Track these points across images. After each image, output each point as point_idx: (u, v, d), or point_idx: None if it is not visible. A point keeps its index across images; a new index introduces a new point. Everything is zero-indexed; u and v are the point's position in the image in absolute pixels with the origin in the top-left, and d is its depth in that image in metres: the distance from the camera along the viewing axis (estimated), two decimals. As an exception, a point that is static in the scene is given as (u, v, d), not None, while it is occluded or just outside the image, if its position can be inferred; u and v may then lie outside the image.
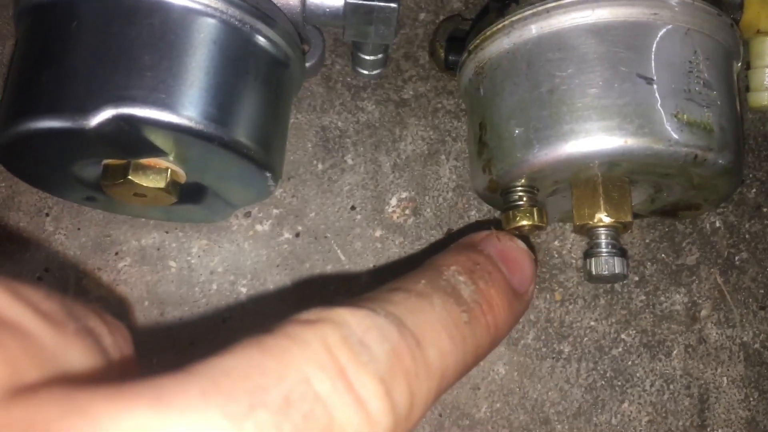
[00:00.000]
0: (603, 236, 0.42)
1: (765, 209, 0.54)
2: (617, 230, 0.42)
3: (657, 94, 0.37)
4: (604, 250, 0.42)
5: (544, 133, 0.38)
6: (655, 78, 0.37)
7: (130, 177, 0.40)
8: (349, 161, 0.53)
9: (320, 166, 0.52)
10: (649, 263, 0.52)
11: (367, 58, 0.50)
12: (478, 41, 0.43)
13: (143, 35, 0.37)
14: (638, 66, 0.38)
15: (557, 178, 0.41)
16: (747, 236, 0.53)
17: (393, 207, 0.52)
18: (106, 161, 0.40)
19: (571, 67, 0.38)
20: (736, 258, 0.53)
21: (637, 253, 0.52)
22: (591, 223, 0.42)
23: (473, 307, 0.29)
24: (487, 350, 0.29)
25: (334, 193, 0.52)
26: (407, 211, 0.52)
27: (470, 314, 0.28)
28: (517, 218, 0.41)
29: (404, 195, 0.52)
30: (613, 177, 0.41)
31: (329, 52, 0.54)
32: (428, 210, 0.52)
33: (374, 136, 0.53)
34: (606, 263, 0.42)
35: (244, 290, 0.50)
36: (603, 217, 0.41)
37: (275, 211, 0.51)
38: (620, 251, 0.42)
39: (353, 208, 0.52)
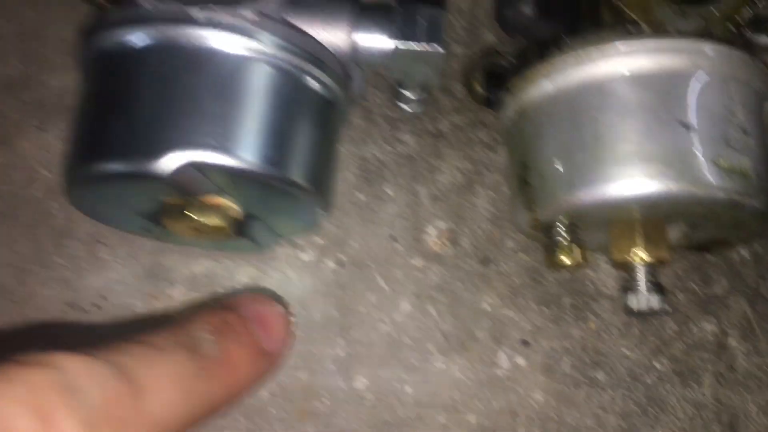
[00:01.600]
0: (641, 273, 0.44)
1: (792, 240, 0.56)
2: (655, 267, 0.44)
3: (697, 141, 0.39)
4: (642, 286, 0.44)
5: (588, 177, 0.40)
6: (695, 125, 0.39)
7: (189, 214, 0.42)
8: (389, 192, 0.55)
9: (361, 197, 0.54)
10: (680, 293, 0.54)
11: (410, 95, 0.52)
12: (520, 83, 0.45)
13: (207, 84, 0.39)
14: (678, 113, 0.39)
15: (598, 218, 0.43)
16: (774, 266, 0.55)
17: (431, 237, 0.54)
18: (166, 199, 0.42)
19: (613, 113, 0.40)
20: (762, 288, 0.55)
21: (668, 283, 0.54)
22: (629, 260, 0.43)
23: (213, 364, 0.30)
24: (224, 403, 0.30)
25: (375, 223, 0.54)
26: (445, 241, 0.54)
27: (208, 371, 0.29)
28: (560, 257, 0.43)
29: (442, 225, 0.54)
30: (650, 216, 0.43)
31: (369, 86, 0.56)
32: (465, 240, 0.54)
33: (412, 167, 0.55)
34: (645, 299, 0.43)
35: (291, 319, 0.51)
36: (641, 254, 0.43)
37: (319, 240, 0.53)
38: (658, 287, 0.44)
39: (393, 238, 0.54)
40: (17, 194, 0.52)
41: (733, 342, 0.53)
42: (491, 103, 0.50)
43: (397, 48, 0.45)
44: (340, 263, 0.53)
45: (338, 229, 0.53)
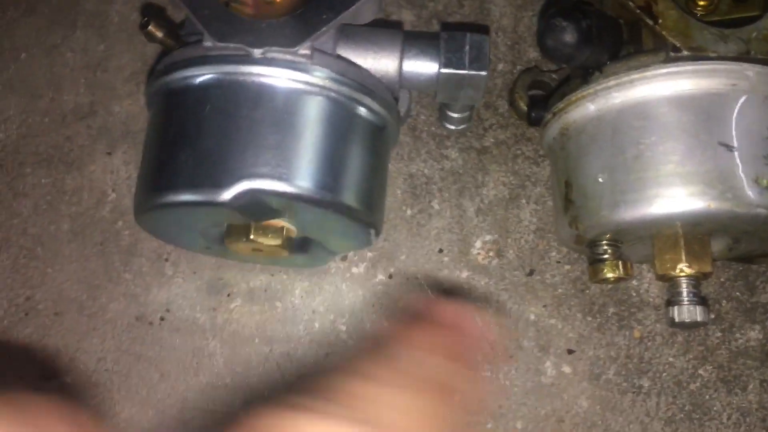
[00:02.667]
0: (684, 285, 0.45)
1: (838, 247, 0.56)
2: (698, 279, 0.45)
3: (738, 161, 0.40)
4: (686, 298, 0.45)
5: (631, 196, 0.42)
6: (735, 145, 0.40)
7: (252, 237, 0.45)
8: (436, 206, 0.57)
9: (409, 212, 0.57)
10: (724, 301, 0.55)
11: (455, 115, 0.54)
12: (563, 105, 0.46)
13: (265, 117, 0.41)
14: (719, 134, 0.40)
15: (641, 235, 0.44)
16: (819, 274, 0.55)
17: (478, 249, 0.56)
18: (229, 222, 0.45)
19: (655, 135, 0.42)
20: (809, 297, 0.55)
21: (713, 292, 0.55)
22: (673, 273, 0.45)
23: (445, 392, 0.28)
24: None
25: (423, 237, 0.56)
26: (491, 253, 0.56)
27: (443, 400, 0.28)
28: (604, 271, 0.45)
29: (488, 238, 0.56)
30: (693, 231, 0.44)
31: (414, 104, 0.58)
32: (511, 252, 0.56)
33: (458, 182, 0.57)
34: (688, 311, 0.45)
35: (343, 328, 0.54)
36: (684, 268, 0.44)
37: (369, 254, 0.55)
38: (701, 299, 0.45)
39: (441, 251, 0.56)
40: (88, 215, 0.56)
41: (778, 349, 0.54)
42: (534, 120, 0.51)
43: (442, 73, 0.47)
44: (390, 276, 0.55)
45: (387, 243, 0.56)
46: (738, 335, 0.54)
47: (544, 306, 0.55)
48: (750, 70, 0.41)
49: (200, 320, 0.54)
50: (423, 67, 0.48)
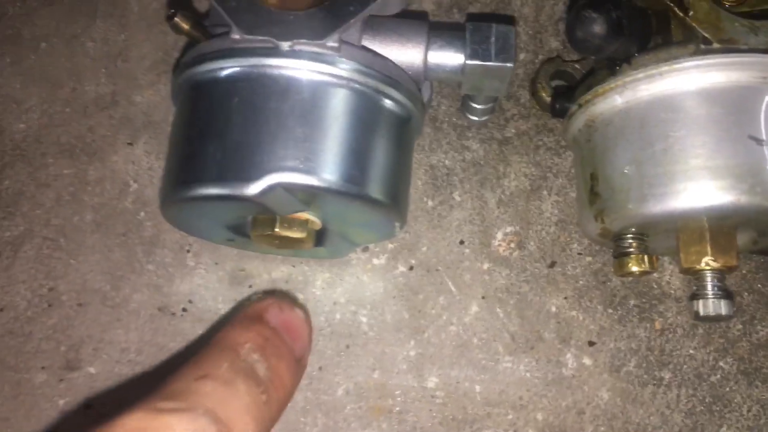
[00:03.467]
0: (709, 279, 0.45)
1: None
2: (723, 273, 0.45)
3: (767, 155, 0.40)
4: (711, 292, 0.45)
5: (659, 190, 0.42)
6: (765, 139, 0.40)
7: (277, 230, 0.45)
8: (457, 198, 0.57)
9: (430, 203, 0.57)
10: (746, 293, 0.55)
11: (478, 107, 0.54)
12: (589, 97, 0.46)
13: (292, 109, 0.41)
14: (749, 128, 0.40)
15: (667, 228, 0.44)
16: (835, 272, 0.55)
17: (499, 241, 0.56)
18: (254, 215, 0.45)
19: (684, 128, 0.41)
20: (827, 292, 0.55)
21: (734, 284, 0.55)
22: (698, 266, 0.45)
23: (269, 386, 0.34)
24: (278, 420, 0.35)
25: (444, 228, 0.56)
26: (512, 245, 0.56)
27: (268, 394, 0.34)
28: (630, 264, 0.45)
29: (509, 229, 0.56)
30: (720, 225, 0.44)
31: (435, 93, 0.58)
32: (532, 243, 0.56)
33: (479, 173, 0.57)
34: (713, 305, 0.45)
35: (364, 320, 0.54)
36: (710, 261, 0.44)
37: (390, 246, 0.56)
38: (727, 293, 0.45)
39: (462, 242, 0.56)
40: (110, 206, 0.56)
41: (799, 342, 0.54)
42: (558, 111, 0.51)
43: (468, 65, 0.47)
44: (411, 267, 0.55)
45: (409, 234, 0.56)
46: (759, 327, 0.54)
47: (565, 298, 0.55)
48: (782, 61, 0.41)
49: (222, 311, 0.54)
50: (448, 58, 0.48)
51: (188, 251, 0.55)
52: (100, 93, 0.59)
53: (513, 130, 0.58)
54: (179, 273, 0.55)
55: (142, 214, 0.56)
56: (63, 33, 0.61)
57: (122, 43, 0.60)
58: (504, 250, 0.56)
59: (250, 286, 0.55)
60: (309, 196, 0.42)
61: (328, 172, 0.41)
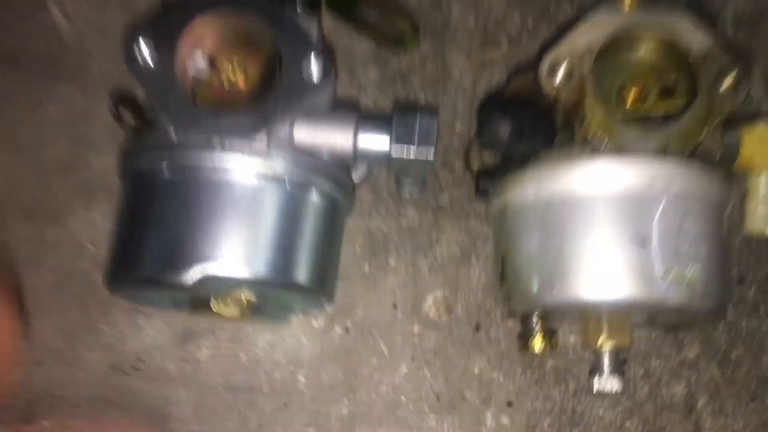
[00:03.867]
0: (605, 356, 0.50)
1: (762, 308, 0.61)
2: (618, 351, 0.50)
3: (652, 255, 0.44)
4: (606, 369, 0.50)
5: (557, 282, 0.46)
6: (650, 240, 0.44)
7: (214, 308, 0.49)
8: (392, 263, 0.61)
9: (367, 268, 0.61)
10: (653, 357, 0.60)
11: (408, 186, 0.58)
12: (501, 186, 0.50)
13: (224, 205, 0.46)
14: (637, 228, 0.45)
15: (568, 311, 0.49)
16: (744, 333, 0.60)
17: (429, 305, 0.60)
18: (192, 296, 0.50)
19: (579, 226, 0.46)
20: (733, 353, 0.60)
21: (644, 349, 0.60)
22: (595, 345, 0.49)
23: None
24: None
25: (379, 293, 0.60)
26: (441, 309, 0.60)
27: None
28: (532, 344, 0.49)
29: (439, 294, 0.61)
30: (613, 312, 0.48)
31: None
32: (460, 308, 0.60)
33: (414, 239, 0.62)
34: (608, 381, 0.49)
35: (302, 379, 0.59)
36: (605, 342, 0.49)
37: (329, 309, 0.60)
38: (620, 370, 0.50)
39: (395, 306, 0.60)
40: (67, 267, 0.60)
41: (701, 403, 0.59)
42: (481, 192, 0.55)
43: (393, 151, 0.51)
44: (347, 329, 0.60)
45: (346, 297, 0.60)
46: (664, 390, 0.59)
47: (488, 360, 0.59)
48: (667, 166, 0.45)
49: (170, 369, 0.58)
50: (376, 144, 0.52)
51: (140, 312, 0.59)
52: (60, 157, 0.63)
53: (447, 198, 0.62)
54: (131, 333, 0.59)
55: (98, 275, 0.60)
56: (27, 97, 0.64)
57: (82, 108, 0.64)
58: (433, 314, 0.60)
59: (197, 346, 0.59)
60: (241, 284, 0.47)
61: (253, 263, 0.46)
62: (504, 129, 0.46)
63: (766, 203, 0.53)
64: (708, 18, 0.49)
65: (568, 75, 0.46)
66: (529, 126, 0.46)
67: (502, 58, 0.65)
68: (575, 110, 0.46)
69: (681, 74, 0.48)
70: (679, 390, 0.59)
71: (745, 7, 0.65)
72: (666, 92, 0.48)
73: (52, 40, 0.63)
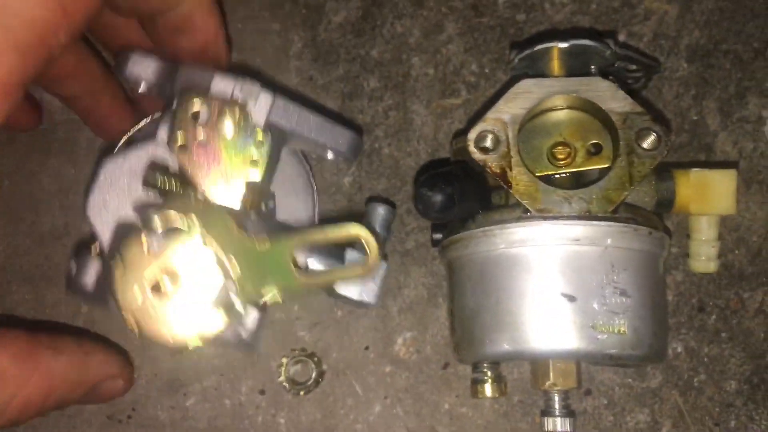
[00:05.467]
0: (554, 398, 0.52)
1: (723, 334, 0.62)
2: (567, 392, 0.53)
3: (578, 309, 0.47)
4: (556, 410, 0.52)
5: (494, 336, 0.49)
6: (576, 296, 0.47)
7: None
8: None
9: (339, 313, 0.65)
10: (617, 387, 0.62)
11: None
12: (446, 243, 0.53)
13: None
14: (564, 286, 0.47)
15: (513, 360, 0.52)
16: (706, 359, 0.62)
17: (399, 345, 0.64)
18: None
19: (511, 283, 0.49)
20: (695, 380, 0.62)
21: (608, 379, 0.62)
22: (544, 388, 0.52)
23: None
24: None
25: (351, 336, 0.64)
26: (411, 349, 0.64)
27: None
28: (482, 391, 0.53)
29: (408, 335, 0.64)
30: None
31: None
32: (428, 347, 0.64)
33: (383, 284, 0.65)
34: (559, 423, 0.52)
35: (282, 421, 0.63)
36: (552, 384, 0.52)
37: (308, 352, 0.64)
38: (569, 412, 0.52)
39: (367, 348, 0.64)
40: (63, 327, 0.65)
41: (665, 430, 0.61)
42: (434, 243, 0.58)
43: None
44: (322, 372, 0.63)
45: (320, 342, 0.64)
46: (628, 418, 0.62)
47: (457, 396, 0.62)
48: (590, 227, 0.48)
49: (161, 417, 0.63)
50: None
51: (132, 364, 0.64)
52: (54, 224, 0.68)
53: (413, 243, 0.66)
54: (124, 385, 0.64)
55: (92, 333, 0.65)
56: (23, 170, 0.70)
57: (73, 177, 0.69)
58: (404, 354, 0.64)
59: (185, 394, 0.64)
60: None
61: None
62: (436, 201, 0.48)
63: (707, 244, 0.55)
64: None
65: (495, 143, 0.49)
66: (462, 192, 0.49)
67: (461, 104, 0.68)
68: (503, 176, 0.49)
69: (605, 135, 0.50)
70: (642, 418, 0.62)
71: (699, 39, 0.67)
72: (593, 152, 0.51)
73: (45, 116, 0.69)
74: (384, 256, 0.57)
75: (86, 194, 0.53)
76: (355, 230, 0.46)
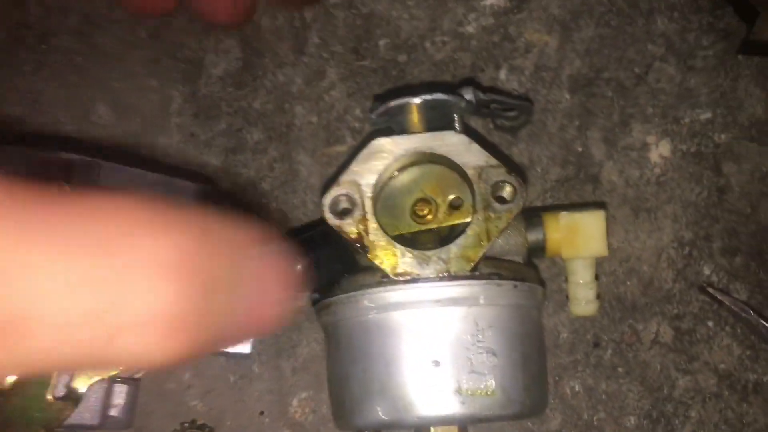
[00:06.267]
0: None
1: (620, 369, 0.62)
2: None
3: (443, 374, 0.46)
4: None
5: (362, 405, 0.48)
6: (440, 360, 0.46)
7: None
8: (256, 370, 0.63)
9: (232, 378, 0.63)
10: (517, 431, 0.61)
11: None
12: (318, 307, 0.52)
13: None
14: (428, 351, 0.46)
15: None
16: (604, 396, 0.61)
17: (295, 407, 0.62)
18: None
19: (379, 349, 0.47)
20: (595, 418, 0.61)
21: (507, 425, 0.61)
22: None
23: None
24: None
25: (245, 401, 0.62)
26: (307, 410, 0.62)
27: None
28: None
29: (304, 395, 0.62)
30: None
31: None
32: (325, 407, 0.62)
33: (276, 343, 0.63)
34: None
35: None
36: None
37: (198, 422, 0.62)
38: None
39: (262, 413, 0.62)
40: None
41: (566, 473, 0.60)
42: (313, 302, 0.57)
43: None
44: (217, 443, 0.62)
45: (213, 411, 0.62)
46: (530, 464, 0.60)
47: (356, 455, 0.61)
48: (449, 288, 0.46)
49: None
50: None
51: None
52: None
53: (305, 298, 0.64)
54: None
55: None
56: None
57: None
58: (300, 416, 0.62)
59: (75, 477, 0.61)
60: None
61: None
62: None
63: (585, 287, 0.54)
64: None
65: (351, 206, 0.48)
66: (324, 259, 0.48)
67: (347, 151, 0.67)
68: (360, 240, 0.48)
69: (465, 188, 0.49)
70: (550, 461, 0.61)
71: (581, 68, 0.66)
72: (455, 206, 0.50)
73: None
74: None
75: None
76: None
